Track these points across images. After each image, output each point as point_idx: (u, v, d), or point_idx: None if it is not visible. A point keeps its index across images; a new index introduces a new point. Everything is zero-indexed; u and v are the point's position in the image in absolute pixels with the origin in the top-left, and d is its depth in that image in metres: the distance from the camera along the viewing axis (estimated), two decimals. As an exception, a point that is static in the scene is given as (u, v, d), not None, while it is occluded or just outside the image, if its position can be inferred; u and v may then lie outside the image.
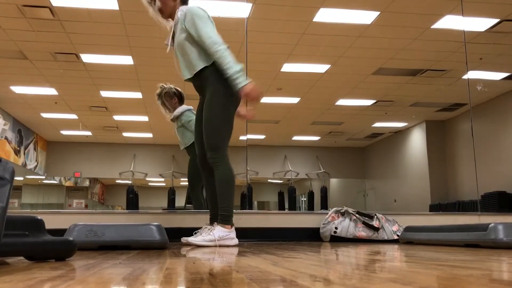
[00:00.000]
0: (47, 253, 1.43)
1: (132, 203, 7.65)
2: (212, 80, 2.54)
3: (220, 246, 2.37)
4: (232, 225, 2.49)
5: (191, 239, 2.45)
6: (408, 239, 2.84)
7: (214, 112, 2.52)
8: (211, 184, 2.63)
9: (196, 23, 2.52)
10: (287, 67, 6.20)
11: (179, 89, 3.90)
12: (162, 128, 9.44)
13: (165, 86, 3.90)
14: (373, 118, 8.81)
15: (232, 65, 2.43)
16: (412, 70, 6.65)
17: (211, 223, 2.59)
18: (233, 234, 2.48)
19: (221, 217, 2.47)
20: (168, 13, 2.72)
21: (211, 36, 2.48)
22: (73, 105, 7.88)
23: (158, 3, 2.68)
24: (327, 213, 3.25)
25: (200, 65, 2.56)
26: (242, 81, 2.41)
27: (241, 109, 2.63)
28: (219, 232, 2.42)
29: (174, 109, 3.87)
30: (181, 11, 2.62)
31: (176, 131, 3.91)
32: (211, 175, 2.58)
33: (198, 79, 2.63)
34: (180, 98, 3.91)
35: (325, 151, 9.47)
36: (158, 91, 3.92)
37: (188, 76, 2.64)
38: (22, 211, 5.05)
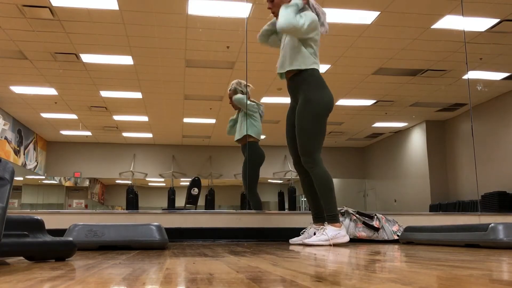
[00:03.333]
0: (47, 253, 1.43)
1: (132, 203, 7.66)
2: (305, 87, 2.61)
3: (334, 244, 2.46)
4: (340, 223, 2.59)
5: (306, 241, 2.54)
6: (408, 239, 2.84)
7: (307, 119, 2.58)
8: (307, 185, 2.74)
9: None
10: (287, 67, 6.20)
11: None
12: (162, 128, 9.46)
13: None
14: (373, 118, 8.81)
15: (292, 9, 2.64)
16: (412, 70, 6.65)
17: (316, 222, 2.70)
18: (343, 231, 2.56)
19: (328, 217, 2.56)
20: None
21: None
22: (73, 105, 7.88)
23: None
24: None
25: (296, 65, 2.64)
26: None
27: None
28: (331, 231, 2.51)
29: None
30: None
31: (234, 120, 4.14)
32: (307, 177, 2.70)
33: (293, 81, 2.68)
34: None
35: (325, 151, 9.46)
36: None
37: (282, 70, 2.70)
38: (22, 211, 5.05)
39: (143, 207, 7.98)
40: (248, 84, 4.16)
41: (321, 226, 2.58)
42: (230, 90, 4.14)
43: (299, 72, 2.63)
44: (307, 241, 2.55)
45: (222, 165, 8.91)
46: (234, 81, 4.14)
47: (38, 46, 5.74)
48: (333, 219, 2.56)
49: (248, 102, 4.06)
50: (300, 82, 2.63)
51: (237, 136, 4.06)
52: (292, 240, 2.75)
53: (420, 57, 6.23)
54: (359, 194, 10.13)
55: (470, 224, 2.54)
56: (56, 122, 8.58)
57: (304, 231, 2.74)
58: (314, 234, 2.59)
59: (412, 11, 5.01)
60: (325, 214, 2.59)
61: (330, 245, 2.46)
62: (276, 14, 2.73)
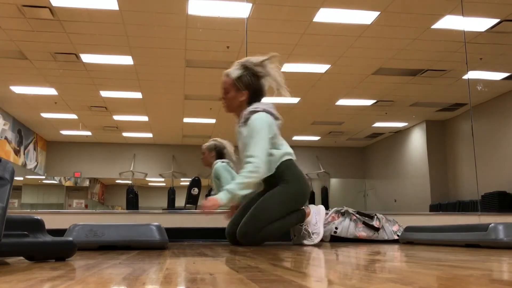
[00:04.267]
0: (47, 253, 1.43)
1: (132, 203, 7.65)
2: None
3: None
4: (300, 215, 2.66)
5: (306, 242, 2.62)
6: (408, 239, 2.84)
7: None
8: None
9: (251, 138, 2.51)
10: (287, 67, 6.20)
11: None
12: (162, 128, 9.45)
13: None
14: (373, 118, 8.80)
15: (242, 186, 2.41)
16: (412, 70, 6.65)
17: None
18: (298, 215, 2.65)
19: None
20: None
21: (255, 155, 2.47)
22: (73, 105, 7.87)
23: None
24: (327, 213, 3.25)
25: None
26: (223, 198, 2.38)
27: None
28: (311, 226, 2.65)
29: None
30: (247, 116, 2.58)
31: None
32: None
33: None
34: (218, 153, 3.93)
35: (325, 151, 9.47)
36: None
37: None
38: (22, 211, 5.05)
39: (143, 207, 7.97)
40: (222, 142, 3.91)
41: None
42: (206, 148, 3.95)
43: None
44: (304, 242, 2.63)
45: (222, 165, 8.88)
46: (213, 140, 3.96)
47: (38, 46, 5.74)
48: (304, 218, 2.64)
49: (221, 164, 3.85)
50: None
51: None
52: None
53: (420, 57, 6.23)
54: (359, 194, 10.13)
55: (470, 224, 2.54)
56: (56, 122, 8.57)
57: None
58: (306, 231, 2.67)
59: (412, 11, 5.01)
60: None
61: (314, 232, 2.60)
62: (228, 109, 2.67)
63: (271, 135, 2.54)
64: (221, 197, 2.37)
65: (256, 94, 2.63)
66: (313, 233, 2.62)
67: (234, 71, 2.62)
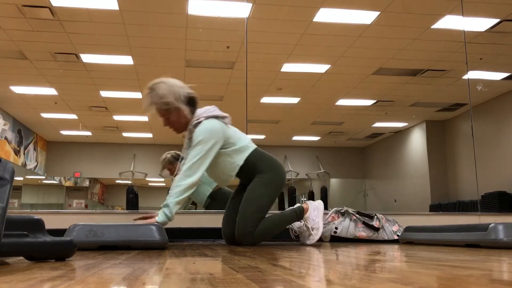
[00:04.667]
0: (47, 253, 1.43)
1: (132, 203, 7.65)
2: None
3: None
4: (294, 213, 2.72)
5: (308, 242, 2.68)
6: (408, 239, 2.84)
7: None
8: None
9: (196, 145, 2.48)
10: (287, 67, 6.20)
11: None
12: (162, 128, 9.45)
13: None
14: (373, 118, 8.80)
15: (178, 198, 2.40)
16: (412, 70, 6.65)
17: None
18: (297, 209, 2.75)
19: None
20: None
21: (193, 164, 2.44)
22: (73, 105, 7.87)
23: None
24: (327, 213, 3.25)
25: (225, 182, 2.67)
26: (162, 217, 2.37)
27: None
28: (311, 221, 2.69)
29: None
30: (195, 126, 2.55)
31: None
32: None
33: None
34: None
35: (325, 151, 9.46)
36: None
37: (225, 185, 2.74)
38: (22, 211, 5.05)
39: (143, 207, 7.97)
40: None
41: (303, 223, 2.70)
42: (165, 160, 3.84)
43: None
44: (307, 242, 2.67)
45: (222, 165, 8.88)
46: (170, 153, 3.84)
47: (38, 46, 5.74)
48: (301, 214, 2.68)
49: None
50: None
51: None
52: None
53: (420, 57, 6.22)
54: (359, 194, 10.12)
55: (470, 224, 2.54)
56: (56, 122, 8.57)
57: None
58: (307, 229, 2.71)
59: (412, 11, 5.01)
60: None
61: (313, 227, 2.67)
62: (180, 130, 2.63)
63: (220, 141, 2.50)
64: (159, 219, 2.36)
65: (190, 101, 2.57)
66: (312, 229, 2.65)
67: (154, 96, 2.51)
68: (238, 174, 2.63)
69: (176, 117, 2.55)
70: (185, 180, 2.40)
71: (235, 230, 2.53)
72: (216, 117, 2.56)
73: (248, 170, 2.59)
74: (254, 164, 2.58)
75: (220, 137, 2.50)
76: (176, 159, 3.72)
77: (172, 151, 3.73)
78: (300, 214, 2.67)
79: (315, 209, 2.70)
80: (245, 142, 2.61)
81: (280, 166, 2.67)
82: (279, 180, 2.63)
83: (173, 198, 2.38)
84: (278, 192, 2.65)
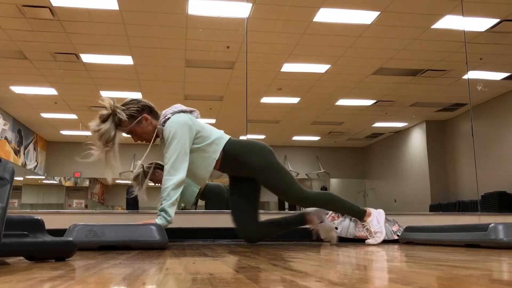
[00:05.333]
0: (47, 253, 1.43)
1: (132, 203, 7.64)
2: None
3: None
4: (366, 209, 2.88)
5: (369, 241, 2.77)
6: (408, 239, 2.84)
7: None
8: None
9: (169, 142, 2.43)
10: (287, 67, 6.20)
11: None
12: (162, 128, 9.45)
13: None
14: (373, 118, 8.80)
15: (171, 200, 2.36)
16: (412, 70, 6.65)
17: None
18: (375, 212, 2.88)
19: (357, 217, 2.88)
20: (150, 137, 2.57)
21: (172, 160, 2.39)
22: (73, 105, 7.87)
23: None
24: (327, 213, 3.24)
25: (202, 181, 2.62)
26: (161, 221, 2.33)
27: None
28: (373, 223, 2.81)
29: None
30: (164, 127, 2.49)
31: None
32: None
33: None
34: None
35: (325, 151, 9.46)
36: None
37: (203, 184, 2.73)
38: (22, 211, 5.05)
39: (143, 207, 7.97)
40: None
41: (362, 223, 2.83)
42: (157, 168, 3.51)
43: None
44: (369, 242, 2.77)
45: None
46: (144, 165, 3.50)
47: (38, 46, 5.73)
48: (362, 216, 2.79)
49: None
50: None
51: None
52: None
53: (420, 57, 6.22)
54: (359, 194, 10.12)
55: (470, 224, 2.54)
56: (56, 122, 8.57)
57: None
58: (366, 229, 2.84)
59: (412, 11, 5.01)
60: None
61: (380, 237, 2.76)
62: (150, 140, 2.56)
63: (190, 135, 2.46)
64: (159, 222, 2.33)
65: (150, 110, 2.54)
66: (375, 232, 2.74)
67: (119, 114, 2.44)
68: (223, 169, 2.60)
69: (142, 130, 2.51)
70: (171, 180, 2.36)
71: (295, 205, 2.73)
72: (183, 111, 2.53)
73: (231, 162, 2.55)
74: (235, 154, 2.54)
75: (191, 128, 2.45)
76: (155, 168, 3.55)
77: (140, 166, 3.37)
78: (359, 213, 2.80)
79: (377, 214, 2.82)
80: (218, 134, 2.56)
81: (257, 144, 2.63)
82: (267, 154, 2.60)
83: (166, 201, 2.35)
84: (276, 158, 2.63)
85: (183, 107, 2.57)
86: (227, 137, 2.59)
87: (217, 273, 1.03)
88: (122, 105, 2.47)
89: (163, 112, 2.54)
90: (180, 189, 2.40)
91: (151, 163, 3.34)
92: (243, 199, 2.71)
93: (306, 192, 2.62)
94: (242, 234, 2.67)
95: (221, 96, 7.03)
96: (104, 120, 2.43)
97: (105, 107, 2.44)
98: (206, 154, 2.50)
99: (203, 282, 0.86)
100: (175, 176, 2.37)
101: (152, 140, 2.55)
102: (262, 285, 0.81)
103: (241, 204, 2.70)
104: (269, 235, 2.75)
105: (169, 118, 2.49)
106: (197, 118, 2.59)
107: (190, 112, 2.58)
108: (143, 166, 3.30)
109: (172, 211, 2.36)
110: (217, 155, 2.51)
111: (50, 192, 9.64)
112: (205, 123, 2.61)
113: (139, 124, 2.49)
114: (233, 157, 2.54)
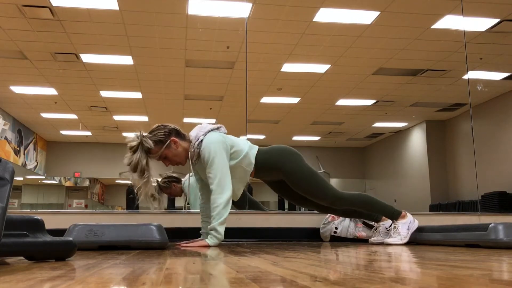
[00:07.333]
0: (47, 253, 1.43)
1: (132, 203, 7.64)
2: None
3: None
4: (403, 212, 2.83)
5: (388, 240, 2.75)
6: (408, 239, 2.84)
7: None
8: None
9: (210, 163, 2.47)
10: (287, 67, 6.20)
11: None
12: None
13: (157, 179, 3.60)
14: (373, 118, 8.80)
15: (221, 219, 2.39)
16: (412, 70, 6.65)
17: (377, 221, 2.99)
18: (410, 217, 2.81)
19: (391, 217, 2.83)
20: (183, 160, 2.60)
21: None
22: (73, 105, 7.87)
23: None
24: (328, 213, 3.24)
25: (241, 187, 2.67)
26: (212, 240, 2.36)
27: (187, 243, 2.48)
28: (403, 226, 2.76)
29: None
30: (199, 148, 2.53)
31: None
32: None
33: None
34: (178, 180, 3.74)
35: (325, 151, 9.46)
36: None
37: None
38: (22, 211, 5.05)
39: (143, 207, 7.97)
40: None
41: (392, 223, 2.80)
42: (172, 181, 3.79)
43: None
44: (388, 240, 2.74)
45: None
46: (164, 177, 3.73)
47: (38, 46, 5.73)
48: (396, 216, 2.76)
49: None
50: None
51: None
52: (371, 240, 2.95)
53: (420, 57, 6.22)
54: (359, 194, 10.11)
55: (470, 224, 2.54)
56: (56, 122, 8.57)
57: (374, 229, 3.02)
58: (387, 230, 2.84)
59: (412, 11, 5.01)
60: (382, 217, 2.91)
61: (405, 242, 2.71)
62: (182, 163, 2.59)
63: (227, 151, 2.50)
64: (210, 242, 2.36)
65: (177, 132, 2.55)
66: (400, 234, 2.72)
67: (145, 143, 2.46)
68: (257, 176, 2.69)
69: (173, 154, 2.52)
70: (221, 199, 2.40)
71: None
72: (211, 130, 2.58)
73: (265, 170, 2.64)
74: (265, 161, 2.62)
75: (226, 145, 2.52)
76: (171, 181, 3.68)
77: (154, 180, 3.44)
78: (393, 214, 2.77)
79: (411, 221, 2.77)
80: (247, 145, 2.63)
81: (286, 149, 2.72)
82: (298, 159, 2.69)
83: (216, 221, 2.37)
84: (305, 161, 2.71)
85: (210, 126, 2.61)
86: (255, 147, 2.66)
87: (217, 273, 1.03)
88: (149, 133, 2.51)
89: (193, 134, 2.56)
90: (229, 207, 2.44)
91: (167, 178, 3.44)
92: (295, 192, 2.76)
93: (340, 193, 2.67)
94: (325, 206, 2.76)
95: (221, 96, 7.03)
96: (134, 151, 2.45)
97: (134, 140, 2.46)
98: (242, 168, 2.56)
99: (203, 282, 0.86)
100: (223, 194, 2.41)
101: (185, 161, 2.58)
102: (262, 285, 0.81)
103: (296, 195, 2.76)
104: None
105: (202, 140, 2.50)
106: (224, 132, 2.64)
107: (218, 129, 2.62)
108: (158, 181, 3.37)
109: (222, 229, 2.39)
110: (251, 168, 2.58)
111: (50, 192, 9.64)
112: (232, 136, 2.66)
113: (169, 148, 2.50)
114: (266, 166, 2.62)
